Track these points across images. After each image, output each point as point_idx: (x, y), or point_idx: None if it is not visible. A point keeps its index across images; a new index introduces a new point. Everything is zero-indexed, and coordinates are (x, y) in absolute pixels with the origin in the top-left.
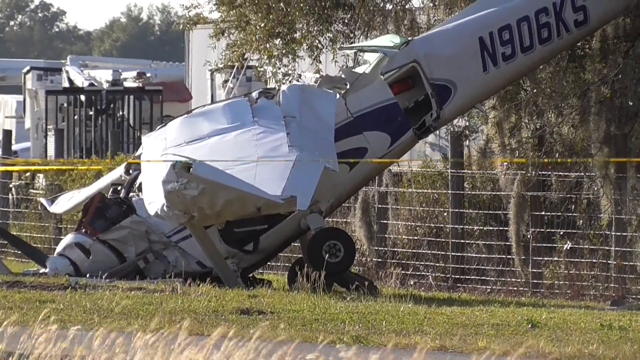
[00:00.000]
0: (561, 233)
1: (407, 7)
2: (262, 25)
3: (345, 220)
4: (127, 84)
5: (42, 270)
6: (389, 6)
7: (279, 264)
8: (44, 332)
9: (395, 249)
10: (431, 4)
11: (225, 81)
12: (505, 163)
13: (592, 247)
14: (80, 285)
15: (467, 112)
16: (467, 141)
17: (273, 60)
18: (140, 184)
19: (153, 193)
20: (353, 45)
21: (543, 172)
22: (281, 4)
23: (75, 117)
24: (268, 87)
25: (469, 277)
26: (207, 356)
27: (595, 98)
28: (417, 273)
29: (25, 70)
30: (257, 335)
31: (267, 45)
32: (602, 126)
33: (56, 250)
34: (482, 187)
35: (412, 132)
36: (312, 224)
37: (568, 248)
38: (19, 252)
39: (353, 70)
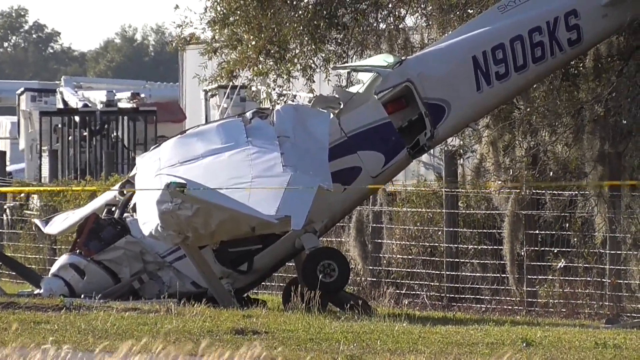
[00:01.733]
0: (555, 251)
1: (400, 26)
2: (254, 43)
3: (339, 239)
4: (121, 105)
5: (37, 291)
6: (382, 25)
7: (273, 284)
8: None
9: (390, 268)
10: (424, 24)
11: (213, 96)
12: (499, 182)
13: (587, 265)
14: (74, 306)
15: (461, 131)
16: (461, 160)
17: (266, 79)
18: (135, 204)
19: (147, 213)
20: (346, 64)
21: (537, 191)
22: (273, 25)
23: (70, 137)
24: (262, 107)
25: (463, 296)
26: None
27: (589, 117)
28: (412, 292)
29: (19, 91)
30: (242, 350)
31: (259, 63)
32: (596, 145)
33: (51, 271)
34: (477, 206)
35: (406, 152)
36: (307, 243)
37: (562, 266)
38: (14, 273)
39: (347, 89)
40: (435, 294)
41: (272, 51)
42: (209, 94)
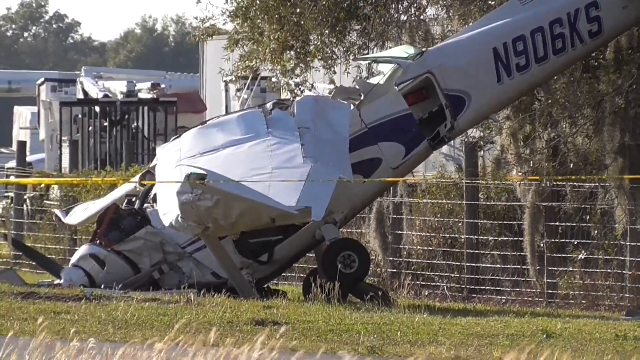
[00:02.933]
0: (575, 243)
1: (421, 18)
2: (275, 37)
3: (359, 230)
4: (141, 95)
5: (57, 281)
6: (403, 17)
7: (293, 275)
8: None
9: (410, 260)
10: (445, 15)
11: (239, 89)
12: (520, 174)
13: (607, 257)
14: (94, 296)
15: (481, 122)
16: (482, 151)
17: (288, 73)
18: (155, 195)
19: (168, 204)
20: (367, 56)
21: (557, 183)
22: (294, 16)
23: (90, 128)
24: (282, 98)
25: (483, 287)
26: None
27: (610, 108)
28: (432, 283)
29: (39, 81)
30: (261, 339)
31: (281, 58)
32: (616, 136)
33: (71, 261)
34: (497, 198)
35: (426, 143)
36: (327, 234)
37: (582, 258)
38: (34, 263)
39: (367, 81)
40: (455, 285)
41: (294, 45)
42: (232, 85)
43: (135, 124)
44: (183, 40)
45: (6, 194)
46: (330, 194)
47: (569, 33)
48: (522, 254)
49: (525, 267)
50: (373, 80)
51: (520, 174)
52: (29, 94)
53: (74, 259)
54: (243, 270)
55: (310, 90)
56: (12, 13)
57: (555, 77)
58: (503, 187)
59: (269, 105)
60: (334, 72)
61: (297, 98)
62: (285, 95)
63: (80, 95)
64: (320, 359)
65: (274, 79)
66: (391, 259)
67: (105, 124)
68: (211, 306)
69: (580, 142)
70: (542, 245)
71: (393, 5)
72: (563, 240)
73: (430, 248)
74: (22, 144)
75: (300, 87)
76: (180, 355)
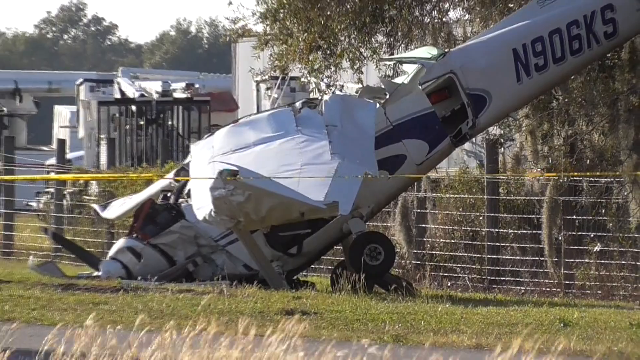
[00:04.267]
0: (592, 236)
1: (444, 20)
2: (304, 38)
3: (385, 224)
4: (176, 95)
5: (95, 273)
6: (426, 19)
7: (322, 267)
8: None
9: (433, 252)
10: (467, 17)
11: (269, 89)
12: (538, 170)
13: (622, 249)
14: (131, 287)
15: (501, 120)
16: (502, 148)
17: (315, 72)
18: (189, 190)
19: (201, 199)
20: (392, 57)
21: (574, 178)
22: (321, 19)
23: (127, 126)
24: (311, 97)
25: (503, 278)
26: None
27: (624, 107)
28: (454, 275)
29: (78, 82)
30: (300, 329)
31: (309, 58)
32: (631, 134)
33: (109, 254)
34: (517, 192)
35: (449, 140)
36: (354, 228)
37: (598, 250)
38: (73, 256)
39: (392, 80)
40: (477, 276)
41: (322, 45)
42: (263, 84)
43: (170, 123)
44: (216, 42)
45: (47, 190)
46: (357, 189)
47: (586, 34)
48: (541, 246)
49: (543, 259)
50: (398, 80)
51: (538, 170)
52: (68, 94)
53: (111, 251)
54: (273, 262)
55: (340, 90)
56: (53, 17)
57: (573, 77)
58: (522, 182)
59: (298, 104)
60: (361, 72)
61: (325, 97)
62: (314, 94)
63: (118, 95)
64: (346, 346)
65: (303, 79)
66: (415, 251)
67: (142, 122)
68: (243, 297)
69: (596, 139)
70: (559, 238)
71: (417, 9)
72: (580, 233)
73: (453, 241)
74: (61, 142)
75: (330, 87)
76: (213, 343)
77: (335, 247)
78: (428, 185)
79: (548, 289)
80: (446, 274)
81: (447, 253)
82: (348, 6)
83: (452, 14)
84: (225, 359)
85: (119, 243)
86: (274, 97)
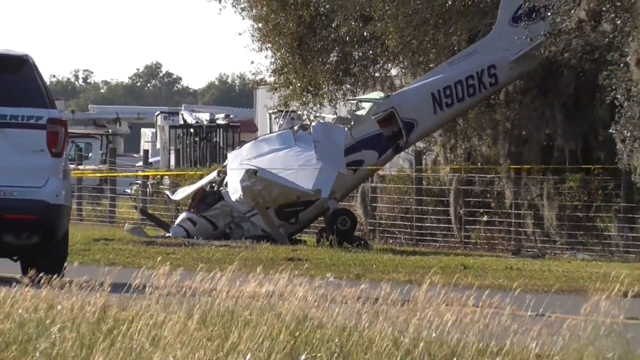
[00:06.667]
0: (481, 211)
1: (387, 75)
2: (299, 85)
3: (350, 204)
4: (218, 122)
5: (167, 234)
6: (377, 74)
7: (310, 230)
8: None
9: (381, 221)
10: (402, 73)
11: (277, 117)
12: (448, 171)
13: (500, 220)
14: (190, 243)
15: (424, 138)
16: (425, 155)
17: (306, 108)
18: (227, 182)
19: (234, 188)
20: (355, 98)
21: (470, 175)
22: (310, 73)
23: (187, 142)
24: (304, 123)
25: (425, 238)
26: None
27: (502, 130)
28: (394, 236)
29: (156, 113)
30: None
31: (303, 98)
32: (506, 147)
33: (176, 222)
34: (434, 184)
35: (391, 150)
36: (331, 206)
37: (485, 220)
38: (153, 223)
39: (355, 113)
40: (408, 237)
41: (311, 90)
42: (274, 115)
43: (215, 139)
44: (244, 88)
45: (137, 182)
46: (333, 181)
47: (477, 84)
48: (449, 217)
49: (450, 225)
50: (359, 113)
51: (447, 169)
52: (150, 121)
53: (177, 221)
54: (280, 227)
55: (322, 119)
56: (140, 72)
57: (469, 110)
58: (437, 177)
59: (295, 128)
60: (336, 108)
61: (313, 123)
62: (306, 122)
63: (181, 122)
64: (326, 283)
65: (299, 112)
66: (370, 220)
67: (196, 139)
68: (260, 250)
69: (484, 150)
70: (461, 212)
71: (371, 68)
72: (474, 209)
73: (393, 214)
74: (146, 152)
75: (316, 117)
76: (239, 279)
77: (319, 218)
78: (377, 179)
79: (454, 245)
80: (389, 235)
81: (389, 222)
82: (327, 66)
83: (393, 71)
84: (248, 289)
85: (182, 215)
86: (280, 123)
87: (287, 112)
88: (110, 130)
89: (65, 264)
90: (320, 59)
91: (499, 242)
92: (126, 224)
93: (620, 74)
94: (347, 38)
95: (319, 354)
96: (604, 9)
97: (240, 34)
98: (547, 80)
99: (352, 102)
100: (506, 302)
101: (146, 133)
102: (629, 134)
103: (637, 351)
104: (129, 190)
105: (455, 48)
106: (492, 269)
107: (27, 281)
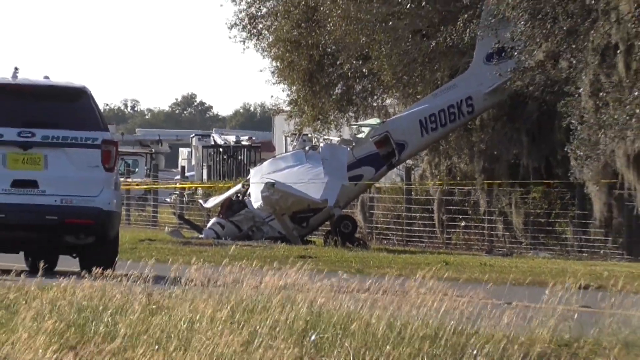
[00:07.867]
0: (460, 217)
1: (383, 104)
2: (310, 113)
3: (352, 211)
4: (243, 143)
5: (200, 236)
6: (374, 104)
7: (319, 233)
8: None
9: (377, 225)
10: (395, 103)
11: (292, 140)
12: (432, 184)
13: (475, 224)
14: (219, 243)
15: (413, 156)
16: (413, 171)
17: (316, 132)
18: (250, 192)
19: (256, 197)
20: (356, 123)
21: (451, 187)
22: (320, 103)
23: (217, 159)
24: (314, 144)
25: (414, 239)
26: (283, 278)
27: (477, 150)
28: (388, 237)
29: (192, 135)
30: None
31: (313, 124)
32: (480, 164)
33: (207, 226)
34: (421, 194)
35: (386, 167)
36: (336, 212)
37: (463, 225)
38: (189, 227)
39: (356, 136)
40: (399, 238)
41: (320, 118)
42: (289, 138)
43: (240, 157)
44: (264, 115)
45: (175, 192)
46: (338, 192)
47: (457, 111)
48: (433, 222)
49: (434, 229)
50: (359, 136)
51: (433, 182)
52: (186, 142)
53: (209, 224)
54: (294, 230)
55: (329, 141)
56: (178, 101)
57: (451, 134)
58: (424, 189)
59: (307, 148)
60: (340, 132)
61: (322, 144)
62: (316, 143)
63: (212, 142)
64: (330, 275)
65: (310, 135)
66: (368, 225)
67: (225, 157)
68: (277, 248)
69: (462, 167)
70: (443, 218)
71: (369, 99)
72: (454, 215)
73: (387, 219)
74: (183, 167)
75: (324, 140)
76: (258, 272)
77: (326, 222)
78: (374, 190)
79: (437, 245)
80: (383, 237)
81: (384, 226)
82: (333, 97)
83: (388, 101)
84: (266, 280)
85: (213, 220)
86: (294, 144)
87: (300, 135)
88: (153, 149)
89: (116, 260)
90: (327, 92)
91: (475, 243)
92: (166, 227)
93: (574, 103)
94: (350, 74)
95: (326, 335)
96: (561, 49)
97: (261, 70)
98: (515, 109)
99: (354, 127)
100: (480, 292)
101: (183, 152)
102: (581, 153)
103: (589, 333)
104: (168, 199)
105: (439, 82)
106: (469, 265)
107: (84, 274)
